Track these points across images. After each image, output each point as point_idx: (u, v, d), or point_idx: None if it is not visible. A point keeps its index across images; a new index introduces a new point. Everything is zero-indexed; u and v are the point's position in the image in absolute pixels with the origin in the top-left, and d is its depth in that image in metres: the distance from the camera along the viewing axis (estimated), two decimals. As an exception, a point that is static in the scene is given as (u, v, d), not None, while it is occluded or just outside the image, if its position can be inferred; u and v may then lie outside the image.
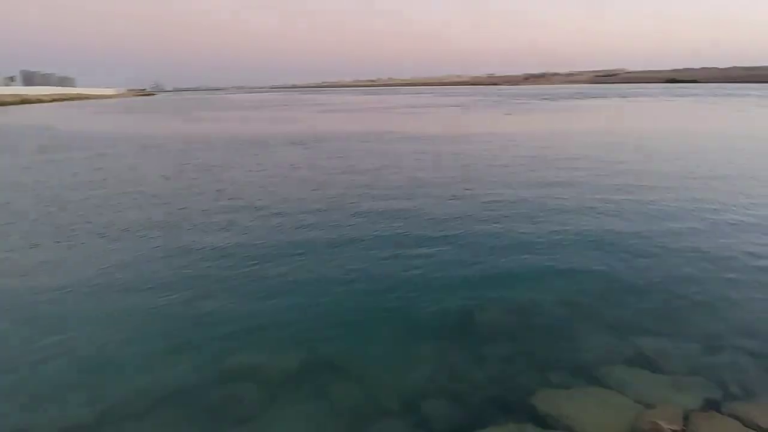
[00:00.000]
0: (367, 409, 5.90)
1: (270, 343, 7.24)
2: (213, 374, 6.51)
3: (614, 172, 18.91)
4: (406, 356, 6.93)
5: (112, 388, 6.26)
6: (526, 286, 8.97)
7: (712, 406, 5.69)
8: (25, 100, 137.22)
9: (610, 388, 6.01)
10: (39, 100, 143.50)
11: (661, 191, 15.59)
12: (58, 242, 11.73)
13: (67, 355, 6.97)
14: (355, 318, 7.96)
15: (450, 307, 8.23)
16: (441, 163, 21.90)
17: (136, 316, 8.08)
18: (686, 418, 5.40)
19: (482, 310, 8.06)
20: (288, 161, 23.35)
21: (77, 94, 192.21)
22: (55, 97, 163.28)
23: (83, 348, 7.18)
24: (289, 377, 6.48)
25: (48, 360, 6.86)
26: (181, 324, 7.83)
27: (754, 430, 5.21)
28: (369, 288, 8.99)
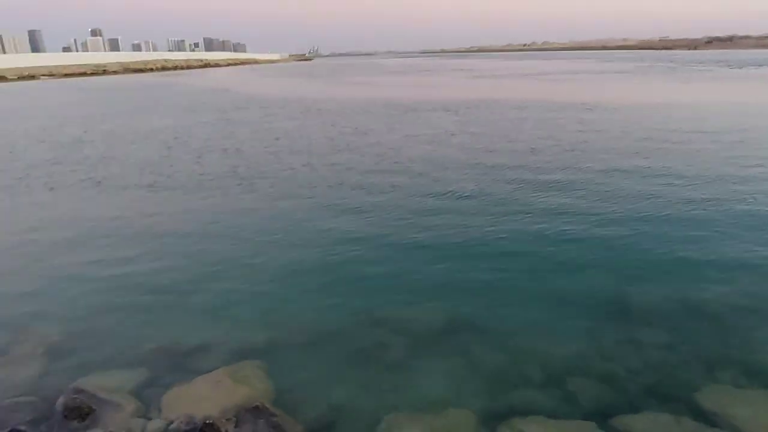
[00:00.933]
0: (509, 376, 5.93)
1: (419, 300, 7.56)
2: (366, 321, 7.01)
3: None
4: (554, 329, 6.78)
5: (282, 321, 7.04)
6: (696, 273, 8.15)
7: None
8: (206, 64, 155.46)
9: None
10: (217, 64, 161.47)
11: None
12: (242, 194, 13.29)
13: (252, 288, 7.99)
14: (504, 284, 7.96)
15: (606, 285, 7.83)
16: (604, 134, 20.30)
17: (306, 264, 8.89)
18: None
19: (642, 293, 7.53)
20: (441, 127, 23.39)
21: (248, 59, 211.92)
22: (230, 61, 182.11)
23: (266, 285, 8.14)
24: (434, 333, 6.74)
25: (239, 289, 7.93)
26: (343, 274, 8.47)
27: None
28: (520, 256, 8.90)
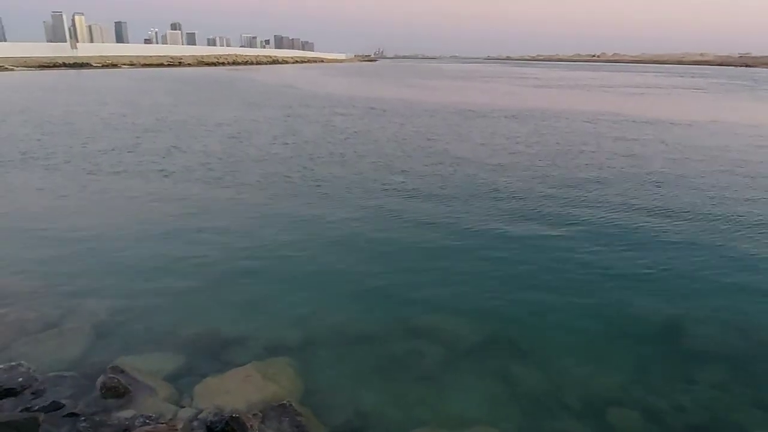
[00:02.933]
0: (546, 400, 5.68)
1: (458, 312, 7.37)
2: (402, 329, 6.90)
3: None
4: (598, 355, 6.46)
5: (318, 321, 7.06)
6: (762, 307, 7.54)
7: None
8: (274, 61, 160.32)
9: None
10: (285, 61, 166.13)
11: None
12: (299, 193, 13.51)
13: (292, 286, 8.07)
14: (550, 304, 7.65)
15: (659, 312, 7.40)
16: (675, 152, 19.24)
17: (350, 267, 8.87)
18: None
19: (698, 324, 7.08)
20: (508, 136, 22.82)
21: (315, 57, 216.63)
22: (297, 59, 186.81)
23: (306, 284, 8.19)
24: (471, 348, 6.55)
25: (279, 286, 8.06)
26: (384, 279, 8.37)
27: None
28: (571, 276, 8.55)
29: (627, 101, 44.53)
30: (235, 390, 5.26)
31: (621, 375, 6.09)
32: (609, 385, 5.90)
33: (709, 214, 11.64)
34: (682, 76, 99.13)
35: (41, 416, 4.23)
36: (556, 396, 5.72)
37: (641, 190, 13.63)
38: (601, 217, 11.38)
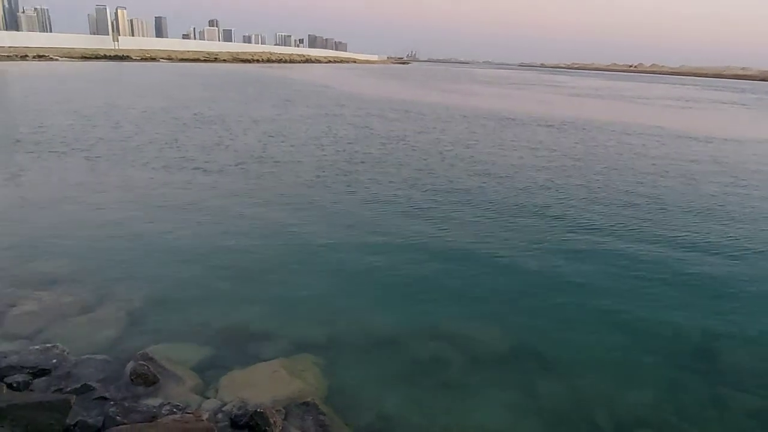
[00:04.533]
0: (572, 416, 5.56)
1: (486, 320, 7.29)
2: (428, 334, 6.85)
3: None
4: (628, 373, 6.30)
5: (345, 321, 7.05)
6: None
7: None
8: (307, 60, 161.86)
9: None
10: (318, 60, 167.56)
11: None
12: (333, 193, 13.59)
13: (321, 284, 8.11)
14: (579, 317, 7.51)
15: (694, 332, 7.19)
16: (725, 170, 18.62)
17: (380, 268, 8.85)
18: None
19: (734, 347, 6.85)
20: (544, 144, 22.45)
21: (347, 58, 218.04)
22: (331, 59, 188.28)
23: (335, 283, 8.23)
24: (497, 357, 6.47)
25: (309, 284, 8.09)
26: (413, 284, 8.34)
27: None
28: (603, 289, 8.37)
29: (668, 114, 43.49)
30: (260, 384, 5.30)
31: (650, 393, 5.93)
32: (639, 404, 5.75)
33: (755, 236, 11.23)
34: (721, 90, 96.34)
35: (73, 398, 4.34)
36: (582, 412, 5.60)
37: (686, 208, 13.17)
38: (639, 231, 11.09)
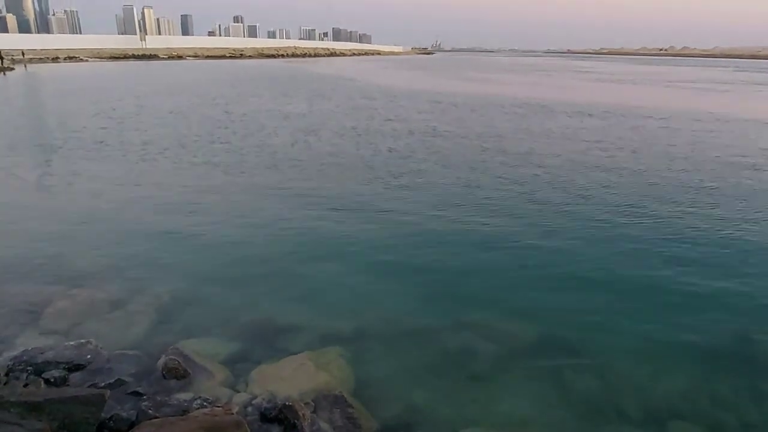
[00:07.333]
0: (602, 407, 5.46)
1: (515, 311, 7.19)
2: (455, 325, 6.80)
3: None
4: (661, 363, 6.13)
5: (372, 313, 7.06)
6: None
7: None
8: (332, 53, 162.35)
9: None
10: (342, 53, 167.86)
11: None
12: (362, 186, 13.57)
13: (347, 277, 8.10)
14: (611, 307, 7.35)
15: (730, 321, 6.97)
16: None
17: (407, 261, 8.76)
18: None
19: (771, 339, 6.57)
20: (578, 134, 21.57)
21: (371, 50, 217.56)
22: (355, 51, 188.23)
23: (362, 276, 8.21)
24: (526, 348, 6.38)
25: (336, 277, 8.12)
26: (440, 275, 8.28)
27: None
28: (633, 278, 8.18)
29: (704, 98, 42.02)
30: (289, 377, 5.34)
31: (685, 384, 5.79)
32: (672, 394, 5.61)
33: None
34: (761, 71, 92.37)
35: (107, 393, 4.44)
36: (613, 402, 5.49)
37: (726, 200, 12.49)
38: (677, 221, 10.70)
